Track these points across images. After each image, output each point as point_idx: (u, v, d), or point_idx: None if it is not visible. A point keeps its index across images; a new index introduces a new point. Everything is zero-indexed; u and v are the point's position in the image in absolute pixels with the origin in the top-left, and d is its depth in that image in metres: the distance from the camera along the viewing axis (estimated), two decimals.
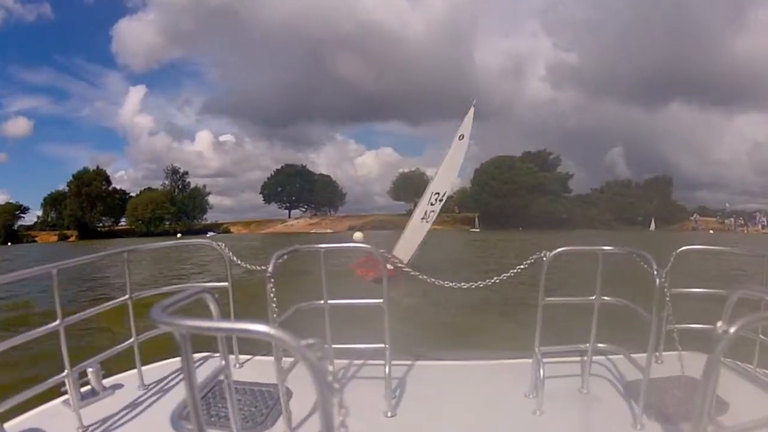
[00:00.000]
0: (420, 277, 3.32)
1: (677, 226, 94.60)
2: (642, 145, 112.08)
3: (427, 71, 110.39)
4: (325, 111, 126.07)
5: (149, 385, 2.85)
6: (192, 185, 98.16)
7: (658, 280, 2.25)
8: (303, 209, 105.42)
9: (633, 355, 2.55)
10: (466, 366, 3.17)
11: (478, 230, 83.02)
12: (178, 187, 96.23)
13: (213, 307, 1.30)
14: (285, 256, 2.38)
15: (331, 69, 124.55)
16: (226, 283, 3.12)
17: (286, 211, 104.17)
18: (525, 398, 2.67)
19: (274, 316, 2.24)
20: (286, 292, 2.38)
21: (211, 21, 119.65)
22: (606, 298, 2.64)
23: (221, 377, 1.29)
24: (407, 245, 16.98)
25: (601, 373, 2.91)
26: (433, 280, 3.31)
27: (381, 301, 2.49)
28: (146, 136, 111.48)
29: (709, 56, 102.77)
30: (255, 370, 3.03)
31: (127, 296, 2.81)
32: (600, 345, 2.71)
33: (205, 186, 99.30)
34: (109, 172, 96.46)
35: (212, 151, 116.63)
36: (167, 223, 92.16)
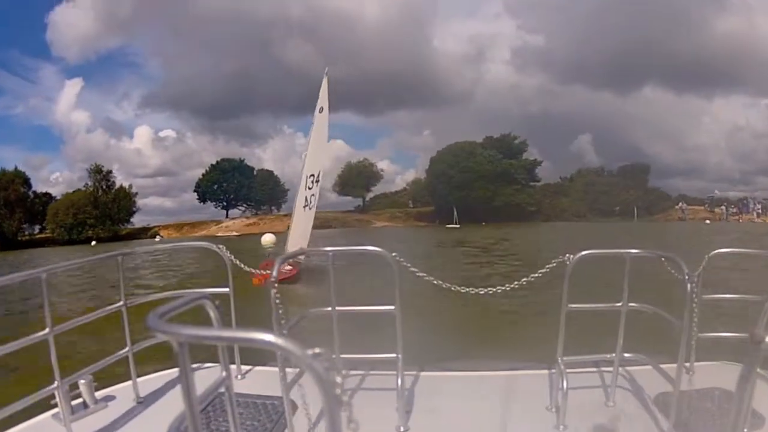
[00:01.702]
0: (426, 278, 3.09)
1: (661, 215, 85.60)
2: (613, 132, 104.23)
3: (382, 56, 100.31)
4: (272, 101, 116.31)
5: (145, 397, 2.77)
6: (118, 185, 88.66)
7: (689, 285, 2.13)
8: (242, 208, 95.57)
9: (662, 366, 2.44)
10: (484, 377, 3.05)
11: (457, 226, 72.58)
12: (101, 187, 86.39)
13: (213, 315, 1.25)
14: (290, 260, 1.74)
15: (278, 55, 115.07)
16: (227, 289, 3.00)
17: (225, 212, 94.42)
18: (547, 412, 2.59)
19: (281, 323, 2.17)
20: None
21: (149, 3, 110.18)
22: (633, 304, 2.54)
23: (222, 389, 1.23)
24: (298, 240, 15.19)
25: (628, 385, 2.81)
26: (450, 286, 3.19)
27: (393, 308, 2.43)
28: (83, 133, 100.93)
29: (687, 37, 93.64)
30: (258, 381, 2.97)
31: (121, 303, 2.74)
32: (627, 355, 2.61)
33: (131, 186, 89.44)
34: (43, 174, 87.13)
35: (152, 148, 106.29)
36: (90, 229, 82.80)
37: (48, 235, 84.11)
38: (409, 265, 2.78)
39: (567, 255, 2.51)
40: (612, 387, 2.68)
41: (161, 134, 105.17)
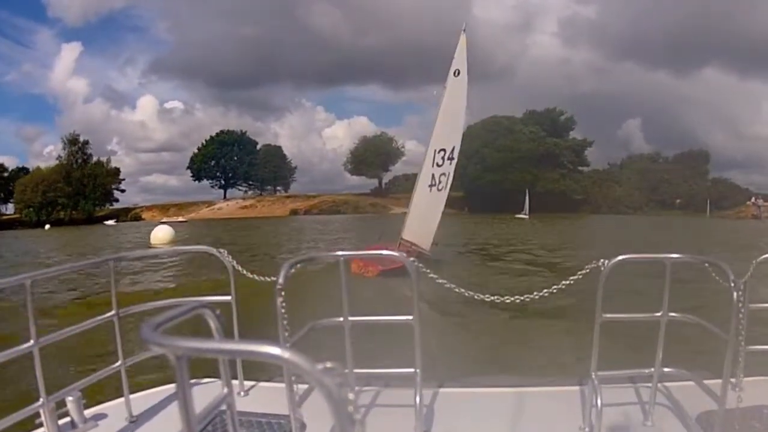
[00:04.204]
0: (451, 287, 3.06)
1: (732, 211, 72.24)
2: (666, 116, 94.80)
3: (415, 24, 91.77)
4: (293, 71, 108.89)
5: (138, 416, 2.61)
6: (117, 160, 78.52)
7: (735, 294, 2.03)
8: (243, 188, 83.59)
9: (705, 382, 2.28)
10: (510, 393, 2.83)
11: (526, 216, 58.37)
12: (76, 161, 74.63)
13: (214, 325, 1.17)
14: (298, 265, 2.22)
15: (302, 20, 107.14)
16: (229, 297, 2.81)
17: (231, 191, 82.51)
18: None
19: (286, 335, 2.09)
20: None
21: None
22: (674, 314, 2.41)
23: (223, 407, 1.14)
24: (422, 225, 14.16)
25: (669, 403, 2.65)
26: (473, 294, 3.13)
27: (410, 318, 2.32)
28: (80, 103, 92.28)
29: (754, 14, 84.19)
30: (263, 398, 2.82)
31: (113, 312, 2.56)
32: (667, 369, 2.47)
33: (109, 160, 77.84)
34: (36, 147, 78.56)
35: (157, 120, 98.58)
36: (62, 209, 71.23)
37: (16, 216, 72.97)
38: (428, 271, 2.64)
39: (601, 260, 2.39)
40: (650, 404, 2.53)
41: (167, 105, 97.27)
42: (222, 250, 2.86)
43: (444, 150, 14.57)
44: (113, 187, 77.95)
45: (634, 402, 2.65)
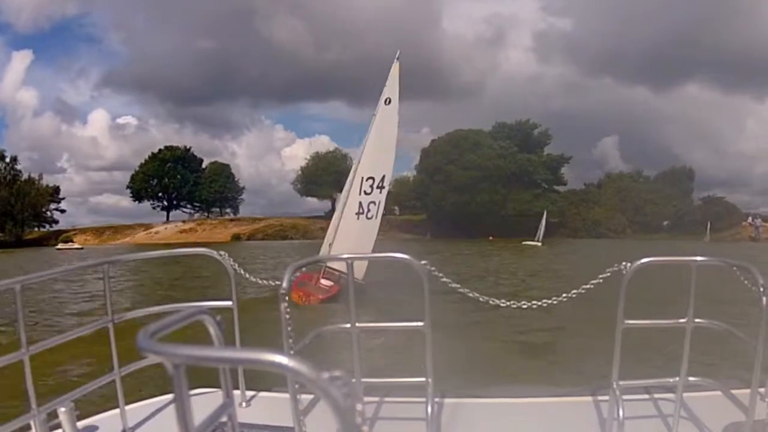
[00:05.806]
0: (460, 289, 3.00)
1: (728, 233, 65.56)
2: (644, 134, 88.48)
3: (381, 38, 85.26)
4: (252, 86, 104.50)
5: (134, 427, 2.52)
6: (65, 179, 74.05)
7: (764, 299, 1.97)
8: (188, 210, 77.20)
9: (733, 392, 2.22)
10: (526, 404, 2.79)
11: (539, 244, 49.62)
12: (4, 178, 68.70)
13: (214, 332, 1.13)
14: (303, 269, 2.56)
15: (262, 32, 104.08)
16: (230, 303, 2.69)
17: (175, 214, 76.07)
18: None
19: (290, 342, 2.05)
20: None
21: None
22: (700, 320, 2.33)
23: (223, 418, 1.10)
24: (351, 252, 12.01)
25: (694, 414, 2.55)
26: (487, 298, 3.06)
27: (421, 324, 2.25)
28: (29, 116, 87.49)
29: (740, 28, 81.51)
30: (265, 409, 2.72)
31: (108, 318, 2.49)
32: (692, 379, 2.40)
33: (41, 177, 71.61)
34: None
35: (108, 136, 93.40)
36: None
37: None
38: (440, 275, 2.70)
39: (624, 263, 2.32)
40: (675, 416, 2.42)
41: (120, 121, 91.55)
42: (222, 253, 2.74)
43: (372, 178, 14.34)
44: (53, 207, 72.15)
45: (657, 413, 2.56)
